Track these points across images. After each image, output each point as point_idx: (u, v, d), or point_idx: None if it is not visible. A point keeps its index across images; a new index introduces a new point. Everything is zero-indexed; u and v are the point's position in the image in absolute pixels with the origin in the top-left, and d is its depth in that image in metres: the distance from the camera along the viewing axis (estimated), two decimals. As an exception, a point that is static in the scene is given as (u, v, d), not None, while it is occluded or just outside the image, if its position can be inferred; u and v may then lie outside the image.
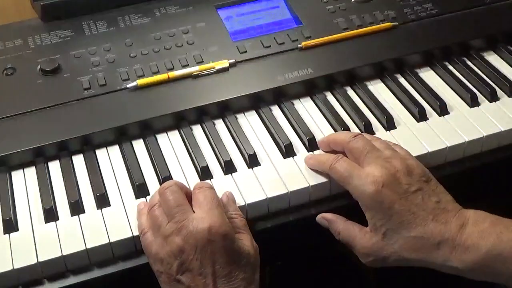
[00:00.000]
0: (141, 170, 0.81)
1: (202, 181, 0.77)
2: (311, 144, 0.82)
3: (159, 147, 0.84)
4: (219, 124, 0.87)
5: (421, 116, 0.86)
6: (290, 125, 0.87)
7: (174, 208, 0.70)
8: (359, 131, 0.85)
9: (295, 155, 0.82)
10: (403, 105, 0.89)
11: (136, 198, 0.77)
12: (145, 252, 0.71)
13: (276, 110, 0.89)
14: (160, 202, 0.72)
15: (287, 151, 0.82)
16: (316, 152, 0.82)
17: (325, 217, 0.77)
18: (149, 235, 0.71)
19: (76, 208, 0.76)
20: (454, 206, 0.72)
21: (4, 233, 0.74)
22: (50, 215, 0.75)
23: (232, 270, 0.67)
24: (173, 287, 0.68)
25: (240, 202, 0.76)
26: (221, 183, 0.78)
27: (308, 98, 0.91)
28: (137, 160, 0.82)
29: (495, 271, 0.69)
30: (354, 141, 0.76)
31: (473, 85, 0.92)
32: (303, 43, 0.94)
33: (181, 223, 0.68)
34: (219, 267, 0.67)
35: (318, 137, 0.84)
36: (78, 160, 0.83)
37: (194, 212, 0.70)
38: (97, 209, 0.76)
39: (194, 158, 0.82)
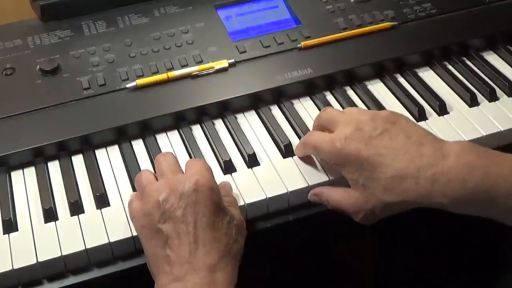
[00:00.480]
0: (140, 170, 0.80)
1: (195, 158, 0.78)
2: (311, 144, 0.82)
3: (159, 147, 0.84)
4: (219, 124, 0.87)
5: (420, 116, 0.86)
6: (290, 125, 0.87)
7: (165, 167, 0.71)
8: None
9: (295, 155, 0.82)
10: (402, 105, 0.89)
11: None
12: (131, 217, 0.71)
13: (275, 110, 0.89)
14: (145, 169, 0.74)
15: (287, 151, 0.82)
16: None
17: (314, 193, 0.77)
18: (135, 201, 0.71)
19: (76, 208, 0.76)
20: (431, 138, 0.70)
21: (4, 233, 0.74)
22: (50, 215, 0.75)
23: (215, 221, 0.67)
24: (154, 239, 0.67)
25: (239, 202, 0.76)
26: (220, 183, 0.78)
27: (308, 98, 0.91)
28: (137, 160, 0.82)
29: (482, 206, 0.67)
30: (323, 113, 0.77)
31: (472, 85, 0.92)
32: (302, 43, 0.94)
33: (170, 178, 0.69)
34: (202, 215, 0.66)
35: (318, 137, 0.84)
36: (78, 160, 0.83)
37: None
38: (97, 209, 0.76)
39: (193, 158, 0.82)
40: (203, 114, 0.87)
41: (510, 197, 0.65)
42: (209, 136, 0.85)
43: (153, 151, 0.83)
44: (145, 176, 0.72)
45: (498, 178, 0.66)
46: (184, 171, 0.73)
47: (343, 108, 0.89)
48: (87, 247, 0.72)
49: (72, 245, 0.72)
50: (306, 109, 0.89)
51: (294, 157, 0.81)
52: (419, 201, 0.68)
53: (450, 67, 0.95)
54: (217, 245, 0.66)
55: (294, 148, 0.82)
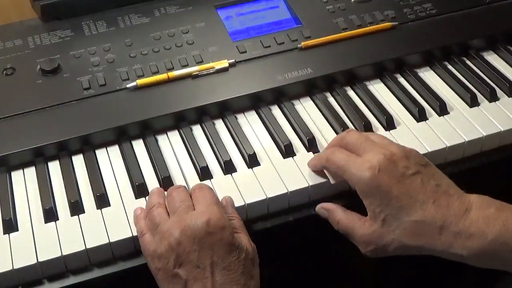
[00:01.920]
0: (140, 170, 0.81)
1: (201, 182, 0.77)
2: (311, 144, 0.82)
3: (159, 147, 0.84)
4: (219, 124, 0.87)
5: (421, 116, 0.86)
6: (290, 125, 0.87)
7: (177, 204, 0.70)
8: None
9: (295, 155, 0.82)
10: (403, 105, 0.89)
11: (136, 198, 0.77)
12: (144, 253, 0.71)
13: (276, 110, 0.89)
14: (158, 203, 0.72)
15: (287, 151, 0.82)
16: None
17: (324, 207, 0.76)
18: (147, 235, 0.71)
19: (76, 208, 0.76)
20: (456, 190, 0.70)
21: (4, 233, 0.74)
22: (50, 215, 0.75)
23: (231, 263, 0.66)
24: (171, 283, 0.67)
25: (240, 202, 0.76)
26: (221, 183, 0.78)
27: (308, 98, 0.91)
28: (137, 160, 0.82)
29: (500, 259, 0.67)
30: (348, 136, 0.75)
31: (472, 85, 0.92)
32: (302, 43, 0.94)
33: (181, 216, 0.68)
34: (218, 259, 0.66)
35: (318, 137, 0.84)
36: (78, 160, 0.83)
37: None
38: (97, 209, 0.76)
39: (194, 158, 0.82)
40: (204, 114, 0.87)
41: None
42: (209, 136, 0.85)
43: (153, 151, 0.83)
44: (157, 213, 0.71)
45: None
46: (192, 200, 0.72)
47: (343, 108, 0.89)
48: (87, 247, 0.72)
49: (72, 245, 0.72)
50: (307, 109, 0.89)
51: (294, 157, 0.81)
52: (438, 250, 0.68)
53: (450, 67, 0.95)
54: (236, 287, 0.66)
55: (294, 148, 0.82)
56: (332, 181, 0.76)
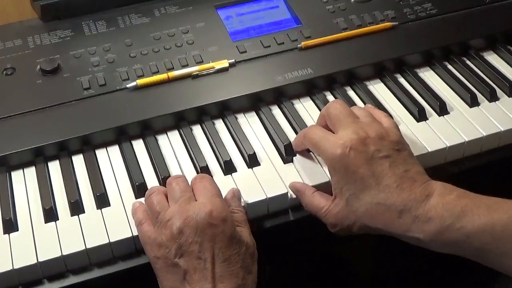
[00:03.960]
0: (141, 170, 0.81)
1: (202, 173, 0.77)
2: (311, 144, 0.82)
3: (159, 147, 0.84)
4: (219, 124, 0.87)
5: (420, 116, 0.86)
6: (290, 125, 0.87)
7: (178, 193, 0.70)
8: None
9: (295, 155, 0.82)
10: (403, 105, 0.89)
11: (136, 198, 0.77)
12: (142, 242, 0.70)
13: (276, 110, 0.89)
14: (157, 190, 0.72)
15: (287, 151, 0.81)
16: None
17: (294, 186, 0.77)
18: (146, 225, 0.70)
19: (76, 208, 0.76)
20: (422, 177, 0.71)
21: (4, 233, 0.74)
22: (50, 215, 0.75)
23: (231, 256, 0.66)
24: (170, 272, 0.67)
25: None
26: (221, 183, 0.78)
27: (308, 98, 0.91)
28: (137, 160, 0.82)
29: (456, 244, 0.68)
30: (332, 107, 0.76)
31: (473, 85, 0.92)
32: (302, 43, 0.94)
33: (183, 206, 0.68)
34: (219, 251, 0.66)
35: (318, 137, 0.84)
36: (78, 160, 0.83)
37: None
38: (97, 209, 0.76)
39: (194, 158, 0.82)
40: (204, 114, 0.87)
41: (482, 234, 0.66)
42: (209, 136, 0.85)
43: (153, 151, 0.83)
44: (157, 200, 0.71)
45: (474, 216, 0.67)
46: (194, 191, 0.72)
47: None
48: (87, 247, 0.72)
49: (72, 245, 0.72)
50: (307, 109, 0.89)
51: (294, 157, 0.81)
52: (396, 233, 0.70)
53: (450, 67, 0.95)
54: (235, 280, 0.66)
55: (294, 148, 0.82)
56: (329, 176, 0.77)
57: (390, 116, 0.80)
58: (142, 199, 0.76)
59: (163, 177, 0.78)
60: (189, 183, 0.74)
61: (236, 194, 0.75)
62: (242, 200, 0.76)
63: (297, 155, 0.81)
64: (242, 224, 0.71)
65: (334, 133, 0.74)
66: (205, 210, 0.67)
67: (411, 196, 0.69)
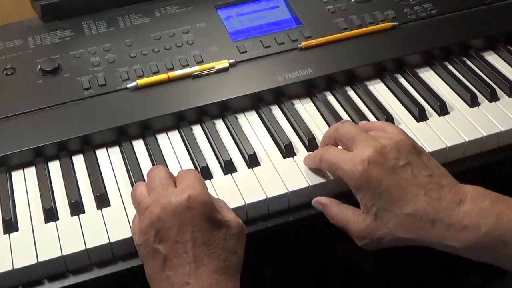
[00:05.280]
0: (141, 170, 0.81)
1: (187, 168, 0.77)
2: (311, 144, 0.82)
3: (159, 147, 0.84)
4: (219, 124, 0.87)
5: (421, 116, 0.86)
6: (290, 125, 0.87)
7: (157, 182, 0.70)
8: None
9: (295, 155, 0.82)
10: (403, 105, 0.89)
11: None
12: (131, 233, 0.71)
13: (276, 110, 0.89)
14: (140, 183, 0.73)
15: (287, 151, 0.82)
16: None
17: (319, 201, 0.76)
18: (135, 217, 0.71)
19: (76, 208, 0.76)
20: (449, 180, 0.70)
21: (4, 233, 0.74)
22: (50, 215, 0.75)
23: (211, 238, 0.66)
24: (151, 259, 0.67)
25: (240, 202, 0.76)
26: (221, 183, 0.78)
27: (308, 98, 0.91)
28: (137, 160, 0.82)
29: (494, 252, 0.66)
30: (341, 127, 0.75)
31: (473, 85, 0.92)
32: (303, 43, 0.94)
33: (161, 193, 0.68)
34: (198, 234, 0.65)
35: (318, 137, 0.84)
36: (78, 160, 0.83)
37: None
38: (97, 209, 0.76)
39: (194, 158, 0.82)
40: (204, 114, 0.87)
41: None
42: (209, 136, 0.85)
43: (153, 151, 0.83)
44: (139, 192, 0.71)
45: (510, 223, 0.65)
46: (176, 182, 0.72)
47: (343, 108, 0.89)
48: (87, 247, 0.72)
49: (73, 245, 0.72)
50: (307, 109, 0.89)
51: (294, 157, 0.81)
52: (431, 242, 0.68)
53: (450, 67, 0.95)
54: (217, 263, 0.65)
55: (294, 148, 0.82)
56: (332, 177, 0.76)
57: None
58: None
59: (163, 177, 0.78)
60: (172, 174, 0.74)
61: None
62: (242, 200, 0.75)
63: (297, 154, 0.81)
64: (225, 208, 0.71)
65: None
66: (183, 195, 0.67)
67: (442, 204, 0.67)
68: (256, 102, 0.89)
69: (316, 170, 0.78)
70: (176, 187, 0.71)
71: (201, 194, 0.67)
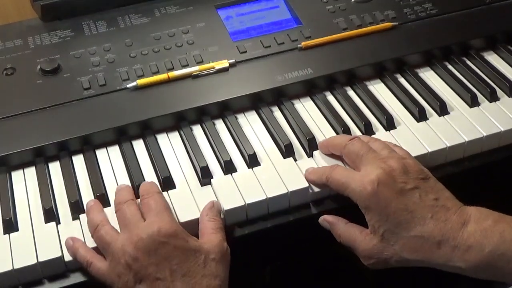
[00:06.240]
0: (141, 170, 0.81)
1: (148, 185, 0.76)
2: (311, 144, 0.82)
3: (159, 147, 0.84)
4: (219, 124, 0.87)
5: (421, 116, 0.86)
6: (290, 125, 0.87)
7: (127, 218, 0.70)
8: (359, 131, 0.85)
9: (295, 155, 0.82)
10: (403, 105, 0.89)
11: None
12: (101, 279, 0.69)
13: (276, 110, 0.89)
14: (101, 221, 0.71)
15: (287, 151, 0.82)
16: (315, 152, 0.81)
17: (326, 219, 0.77)
18: (95, 263, 0.69)
19: (76, 208, 0.76)
20: (454, 203, 0.71)
21: (4, 233, 0.74)
22: (50, 215, 0.75)
23: (190, 268, 0.66)
24: None
25: (240, 202, 0.75)
26: (221, 183, 0.78)
27: (308, 98, 0.91)
28: (137, 160, 0.82)
29: (498, 270, 0.68)
30: (350, 144, 0.76)
31: (473, 85, 0.92)
32: (303, 43, 0.94)
33: (132, 231, 0.68)
34: (176, 267, 0.66)
35: (318, 137, 0.84)
36: (78, 160, 0.83)
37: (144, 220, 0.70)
38: (97, 209, 0.76)
39: (194, 158, 0.82)
40: (204, 114, 0.87)
41: None
42: (209, 136, 0.85)
43: (153, 151, 0.83)
44: (105, 231, 0.70)
45: None
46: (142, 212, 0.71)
47: (343, 108, 0.89)
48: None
49: (73, 245, 0.72)
50: (307, 109, 0.89)
51: (294, 157, 0.81)
52: (437, 263, 0.69)
53: (450, 67, 0.95)
54: None
55: (294, 148, 0.82)
56: None
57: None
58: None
59: (163, 177, 0.78)
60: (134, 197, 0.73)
61: (215, 205, 0.74)
62: (242, 200, 0.75)
63: (297, 155, 0.81)
64: (215, 231, 0.71)
65: (355, 170, 0.74)
66: (152, 229, 0.67)
67: (447, 226, 0.68)
68: (256, 102, 0.89)
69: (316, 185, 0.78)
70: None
71: (171, 226, 0.68)
